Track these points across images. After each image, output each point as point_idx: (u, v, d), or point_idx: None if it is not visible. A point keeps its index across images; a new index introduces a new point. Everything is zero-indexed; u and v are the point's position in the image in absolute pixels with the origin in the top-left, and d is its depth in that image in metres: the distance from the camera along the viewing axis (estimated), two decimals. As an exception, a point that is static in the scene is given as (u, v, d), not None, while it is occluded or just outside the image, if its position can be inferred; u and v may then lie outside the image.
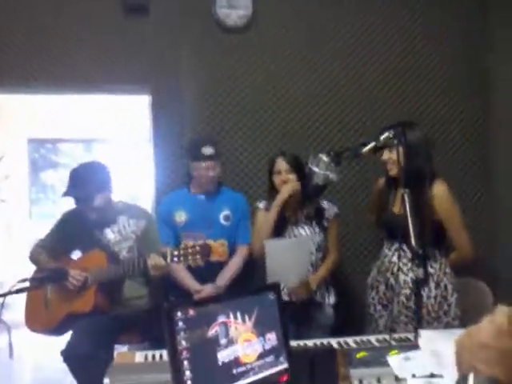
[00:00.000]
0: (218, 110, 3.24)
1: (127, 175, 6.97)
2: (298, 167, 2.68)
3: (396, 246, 2.48)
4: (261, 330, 1.43)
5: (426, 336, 1.60)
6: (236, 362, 1.35)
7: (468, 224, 2.56)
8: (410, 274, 2.39)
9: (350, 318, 2.84)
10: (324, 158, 2.06)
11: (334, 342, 2.15)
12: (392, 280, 2.48)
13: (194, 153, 2.80)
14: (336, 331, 2.59)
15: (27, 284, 2.35)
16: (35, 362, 4.79)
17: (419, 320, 1.67)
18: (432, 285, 2.39)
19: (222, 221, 2.87)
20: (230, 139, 3.25)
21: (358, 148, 2.07)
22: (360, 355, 1.54)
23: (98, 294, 2.51)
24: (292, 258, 2.51)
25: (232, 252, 2.83)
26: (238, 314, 1.39)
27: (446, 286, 2.40)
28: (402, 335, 2.06)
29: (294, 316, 2.52)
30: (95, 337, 2.39)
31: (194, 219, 2.86)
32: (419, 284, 1.72)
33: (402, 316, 2.43)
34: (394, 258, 2.48)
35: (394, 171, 2.40)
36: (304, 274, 2.60)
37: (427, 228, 2.29)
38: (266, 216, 2.72)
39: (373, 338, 2.17)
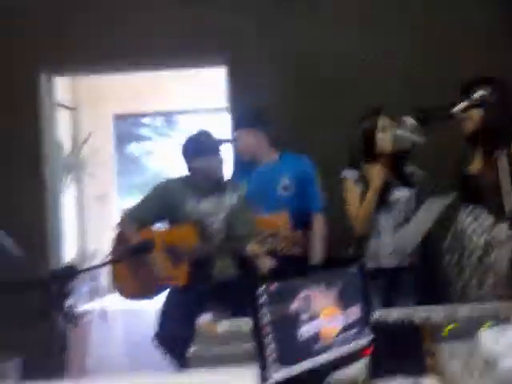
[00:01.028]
0: (295, 78, 3.18)
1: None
2: None
3: (471, 207, 2.36)
4: (344, 303, 1.41)
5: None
6: (318, 336, 1.34)
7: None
8: (484, 236, 2.30)
9: (430, 284, 2.72)
10: (409, 120, 1.96)
11: (421, 310, 2.09)
12: (465, 243, 2.37)
13: None
14: (419, 297, 2.52)
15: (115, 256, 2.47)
16: (127, 326, 5.11)
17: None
18: (508, 247, 2.25)
19: (281, 191, 2.77)
20: (307, 106, 3.18)
21: (447, 108, 1.93)
22: (449, 329, 1.48)
23: (192, 268, 2.58)
24: (430, 218, 2.45)
25: (299, 220, 2.73)
26: (321, 288, 1.37)
27: None
28: (494, 305, 1.95)
29: (390, 282, 2.46)
30: (184, 315, 2.45)
31: (251, 191, 2.79)
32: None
33: (473, 279, 2.32)
34: (469, 220, 2.37)
35: (470, 128, 2.25)
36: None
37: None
38: (355, 189, 2.59)
39: (460, 308, 2.08)
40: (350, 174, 2.63)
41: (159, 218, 2.78)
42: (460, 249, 2.42)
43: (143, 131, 8.15)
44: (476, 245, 2.34)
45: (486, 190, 2.24)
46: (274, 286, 1.30)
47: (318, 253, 2.79)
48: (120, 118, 7.32)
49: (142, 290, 2.71)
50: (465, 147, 2.40)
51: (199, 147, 2.68)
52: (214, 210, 2.68)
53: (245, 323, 2.10)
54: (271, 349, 1.26)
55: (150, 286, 2.67)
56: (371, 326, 1.44)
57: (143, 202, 2.77)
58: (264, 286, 1.28)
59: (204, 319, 2.14)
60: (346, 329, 1.40)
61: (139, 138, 8.14)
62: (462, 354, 1.42)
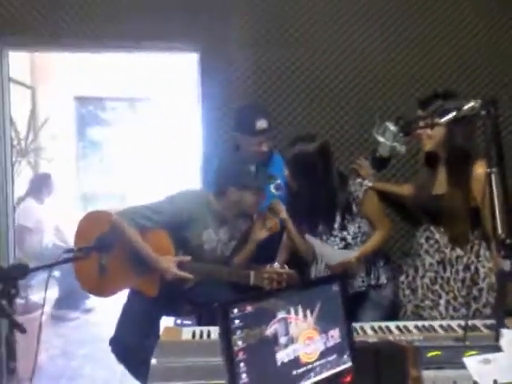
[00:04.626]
0: (272, 69, 3.01)
1: (173, 137, 6.90)
2: None
3: (424, 226, 2.32)
4: (323, 326, 1.29)
5: (509, 336, 1.43)
6: (296, 362, 1.22)
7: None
8: (436, 257, 2.26)
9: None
10: (391, 127, 1.85)
11: (392, 326, 2.01)
12: (418, 263, 2.33)
13: (246, 126, 2.58)
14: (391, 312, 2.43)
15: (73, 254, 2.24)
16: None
17: (501, 318, 1.47)
18: (460, 267, 2.20)
19: (273, 190, 2.68)
20: (283, 101, 3.03)
21: (432, 116, 1.83)
22: (432, 354, 1.39)
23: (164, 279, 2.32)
24: (328, 251, 2.40)
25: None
26: (299, 309, 1.25)
27: (477, 270, 2.16)
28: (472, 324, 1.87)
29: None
30: (142, 325, 2.31)
31: None
32: (504, 277, 1.51)
33: (427, 300, 2.28)
34: (422, 240, 2.32)
35: (428, 147, 2.18)
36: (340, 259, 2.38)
37: (467, 210, 2.11)
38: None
39: (436, 324, 2.02)
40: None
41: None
42: (414, 268, 2.37)
43: (105, 115, 7.83)
44: (430, 265, 2.29)
45: (450, 210, 2.17)
46: (249, 309, 1.16)
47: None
48: (81, 101, 7.01)
49: (104, 290, 2.46)
50: (425, 165, 2.32)
51: (244, 177, 2.32)
52: (230, 238, 2.48)
53: (209, 329, 1.98)
54: (244, 379, 1.13)
55: (114, 289, 2.44)
56: (352, 350, 1.33)
57: (153, 210, 2.33)
58: (237, 309, 1.15)
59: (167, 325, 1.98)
60: (325, 354, 1.28)
61: (101, 123, 7.82)
62: (447, 381, 1.32)
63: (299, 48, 3.02)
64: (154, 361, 1.67)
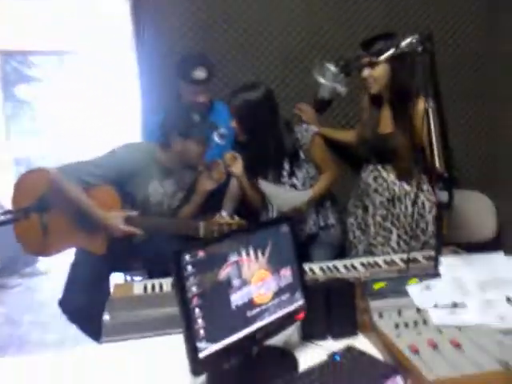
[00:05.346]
0: (210, 17, 2.91)
1: (108, 91, 6.62)
2: None
3: (371, 167, 2.39)
4: (275, 266, 1.31)
5: (447, 263, 1.52)
6: (250, 303, 1.25)
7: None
8: (386, 194, 2.35)
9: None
10: (332, 67, 1.85)
11: (340, 264, 2.09)
12: (368, 202, 2.41)
13: (184, 74, 2.52)
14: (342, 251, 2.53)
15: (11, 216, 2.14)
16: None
17: (439, 247, 1.56)
18: (408, 202, 2.31)
19: (217, 139, 2.66)
20: (220, 48, 2.95)
21: (372, 56, 1.84)
22: (378, 286, 1.45)
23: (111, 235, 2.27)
24: (283, 194, 2.41)
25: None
26: (251, 251, 1.26)
27: (423, 204, 2.29)
28: (410, 256, 1.98)
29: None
30: (92, 283, 2.26)
31: None
32: (442, 208, 1.59)
33: (378, 237, 2.38)
34: (370, 180, 2.39)
35: (374, 89, 2.23)
36: (294, 205, 2.42)
37: (413, 146, 2.19)
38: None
39: (380, 260, 2.12)
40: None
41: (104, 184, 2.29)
42: (362, 209, 2.45)
43: (32, 72, 7.36)
44: (380, 203, 2.37)
45: (397, 148, 2.24)
46: (201, 254, 1.16)
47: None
48: (3, 56, 6.52)
49: (48, 250, 2.34)
50: (370, 107, 2.35)
51: (188, 126, 2.25)
52: (176, 190, 2.43)
53: (161, 281, 1.98)
54: (200, 324, 1.14)
55: (59, 247, 2.35)
56: (303, 288, 1.37)
57: (94, 165, 2.24)
58: (190, 255, 1.14)
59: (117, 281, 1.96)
60: (278, 293, 1.31)
61: (29, 80, 7.35)
62: (392, 310, 1.40)
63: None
64: (106, 317, 1.66)
